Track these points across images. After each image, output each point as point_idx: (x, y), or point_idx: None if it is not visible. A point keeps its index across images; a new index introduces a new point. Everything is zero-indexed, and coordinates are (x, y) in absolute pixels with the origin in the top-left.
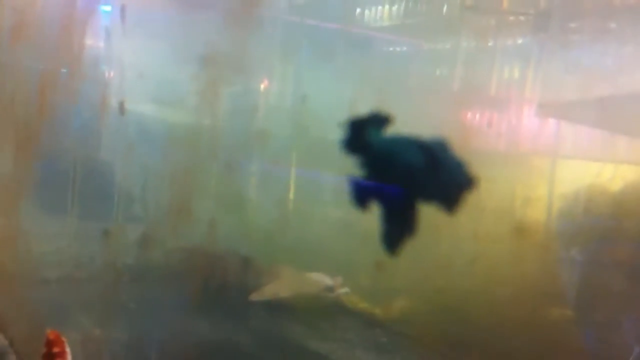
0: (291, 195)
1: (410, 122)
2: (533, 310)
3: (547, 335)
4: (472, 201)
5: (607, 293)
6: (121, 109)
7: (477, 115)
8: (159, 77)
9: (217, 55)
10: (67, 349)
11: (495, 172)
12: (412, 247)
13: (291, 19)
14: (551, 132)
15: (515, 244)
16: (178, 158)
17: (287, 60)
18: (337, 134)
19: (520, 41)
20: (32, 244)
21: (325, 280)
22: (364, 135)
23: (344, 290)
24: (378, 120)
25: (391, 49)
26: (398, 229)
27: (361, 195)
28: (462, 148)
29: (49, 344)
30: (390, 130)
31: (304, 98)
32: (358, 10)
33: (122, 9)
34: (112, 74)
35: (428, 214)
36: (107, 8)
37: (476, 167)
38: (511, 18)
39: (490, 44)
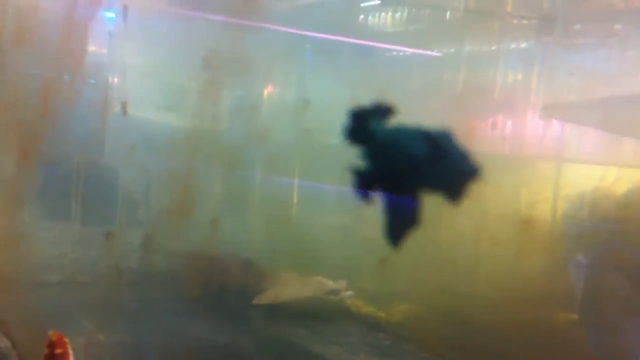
0: (294, 199)
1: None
2: (537, 314)
3: (551, 339)
4: (476, 204)
5: (611, 296)
6: (123, 111)
7: (482, 119)
8: (161, 80)
9: (219, 58)
10: (70, 351)
11: (500, 176)
12: (415, 250)
13: (293, 23)
14: (555, 135)
15: (520, 247)
16: (180, 161)
17: (289, 64)
18: (339, 137)
19: (524, 45)
20: (34, 248)
21: (329, 283)
22: (367, 125)
23: (347, 293)
24: (381, 110)
25: (394, 54)
26: (401, 220)
27: (364, 186)
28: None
29: (51, 345)
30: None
31: (307, 102)
32: (361, 16)
33: (125, 14)
34: (114, 77)
35: (432, 215)
36: (110, 13)
37: (481, 170)
38: (515, 22)
39: (494, 47)
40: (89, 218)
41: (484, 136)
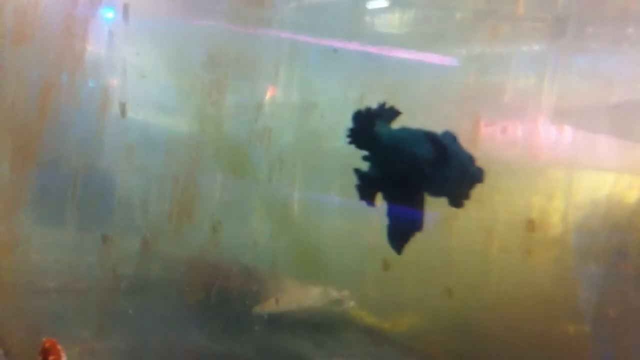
0: (297, 204)
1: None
2: (547, 326)
3: (562, 352)
4: (485, 210)
5: (625, 308)
6: (122, 112)
7: (492, 123)
8: (162, 81)
9: (222, 59)
10: (64, 358)
11: (510, 181)
12: (421, 257)
13: (298, 24)
14: (567, 140)
15: (529, 255)
16: (180, 165)
17: (294, 65)
18: (343, 141)
19: (536, 47)
20: (30, 253)
21: (332, 293)
22: (371, 127)
23: (351, 303)
24: (386, 113)
25: (401, 56)
26: (406, 225)
27: (368, 190)
28: (475, 157)
29: (45, 352)
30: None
31: (311, 105)
32: (367, 17)
33: (125, 13)
34: (113, 78)
35: (439, 221)
36: (110, 12)
37: (490, 176)
38: (527, 24)
39: (504, 50)
40: (86, 222)
41: (493, 141)
